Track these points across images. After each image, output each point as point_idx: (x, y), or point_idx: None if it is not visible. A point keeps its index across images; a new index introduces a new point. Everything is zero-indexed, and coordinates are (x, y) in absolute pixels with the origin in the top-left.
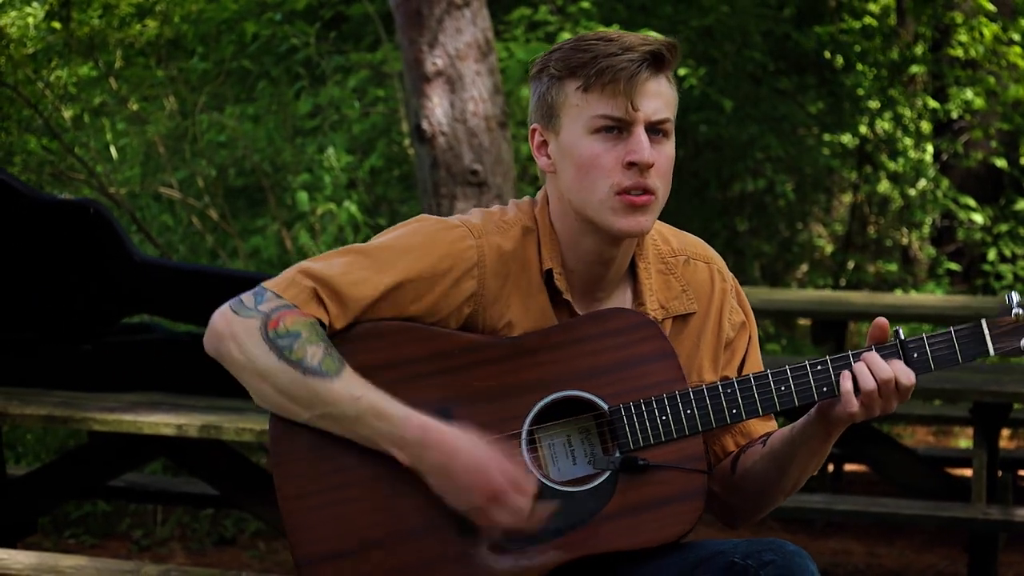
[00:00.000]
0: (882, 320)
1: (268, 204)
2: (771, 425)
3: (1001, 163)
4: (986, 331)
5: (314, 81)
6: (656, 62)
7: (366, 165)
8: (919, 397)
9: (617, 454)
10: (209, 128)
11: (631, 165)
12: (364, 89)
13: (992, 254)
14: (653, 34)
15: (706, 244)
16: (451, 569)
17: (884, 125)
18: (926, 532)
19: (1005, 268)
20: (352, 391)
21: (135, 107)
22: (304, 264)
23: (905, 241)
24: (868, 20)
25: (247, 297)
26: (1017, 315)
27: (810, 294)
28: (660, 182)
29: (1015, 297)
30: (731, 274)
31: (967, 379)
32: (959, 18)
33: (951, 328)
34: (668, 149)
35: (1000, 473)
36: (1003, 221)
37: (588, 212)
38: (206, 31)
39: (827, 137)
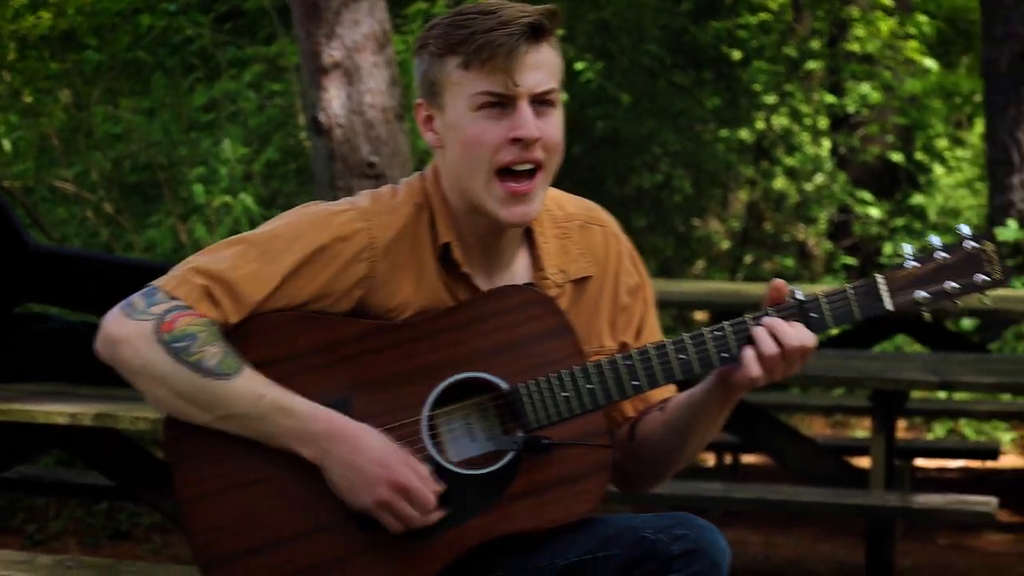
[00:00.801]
0: (779, 281)
1: (164, 198)
2: (670, 389)
3: (897, 157)
4: (881, 285)
5: (210, 73)
6: (535, 33)
7: (262, 158)
8: (819, 386)
9: (520, 434)
10: (104, 121)
11: (516, 141)
12: (260, 83)
13: (888, 248)
14: None
15: (601, 208)
16: (360, 561)
17: (781, 120)
18: (824, 522)
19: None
20: (255, 389)
21: (29, 100)
22: (194, 260)
23: (802, 236)
24: (765, 15)
25: (138, 299)
26: (912, 267)
27: (707, 286)
28: (548, 154)
29: (908, 249)
30: (626, 237)
31: (866, 367)
32: (856, 13)
33: (846, 285)
34: (556, 118)
35: (897, 462)
36: (899, 215)
37: (472, 196)
38: (101, 23)
39: (724, 132)
